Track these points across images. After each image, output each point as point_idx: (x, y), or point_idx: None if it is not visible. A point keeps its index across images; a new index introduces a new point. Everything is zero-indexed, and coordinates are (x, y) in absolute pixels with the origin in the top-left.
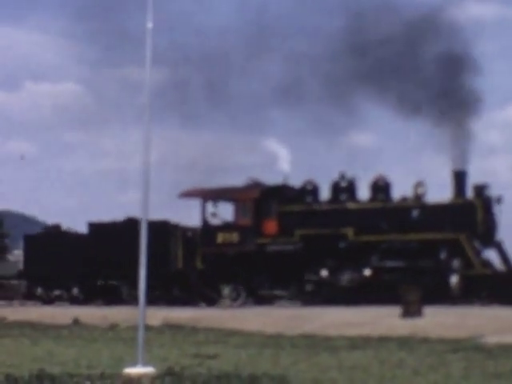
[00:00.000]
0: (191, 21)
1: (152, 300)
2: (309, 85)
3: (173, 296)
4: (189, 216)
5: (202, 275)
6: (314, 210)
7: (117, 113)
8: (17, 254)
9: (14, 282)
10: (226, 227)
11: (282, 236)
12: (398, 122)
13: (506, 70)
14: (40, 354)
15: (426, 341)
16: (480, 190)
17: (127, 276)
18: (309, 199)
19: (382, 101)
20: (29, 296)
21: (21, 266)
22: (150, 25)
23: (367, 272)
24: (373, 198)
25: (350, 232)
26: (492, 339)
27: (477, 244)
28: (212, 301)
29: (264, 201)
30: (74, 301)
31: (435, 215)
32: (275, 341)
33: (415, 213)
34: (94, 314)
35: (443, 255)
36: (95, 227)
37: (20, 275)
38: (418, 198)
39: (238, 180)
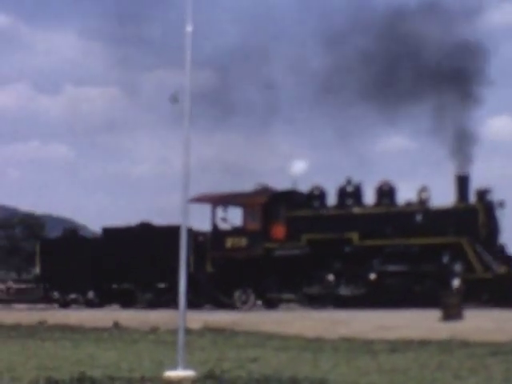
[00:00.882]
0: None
1: (164, 303)
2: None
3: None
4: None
5: (213, 279)
6: (321, 215)
7: (156, 116)
8: None
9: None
10: (235, 232)
11: (290, 240)
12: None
13: None
14: (81, 357)
15: (466, 344)
16: (482, 194)
17: (141, 280)
18: (316, 204)
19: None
20: (45, 299)
21: None
22: (189, 28)
23: (372, 276)
24: (378, 203)
25: (354, 236)
26: None
27: (479, 248)
28: (223, 304)
29: (272, 206)
30: (90, 304)
31: (438, 220)
32: (315, 344)
33: (419, 217)
34: (134, 317)
35: (445, 259)
36: (110, 232)
37: (37, 279)
38: (422, 202)
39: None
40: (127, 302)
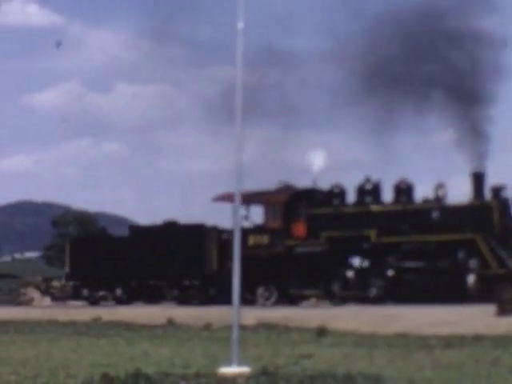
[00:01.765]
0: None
1: (188, 299)
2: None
3: (208, 296)
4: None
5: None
6: (340, 213)
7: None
8: None
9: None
10: (257, 230)
11: (310, 238)
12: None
13: None
14: (135, 354)
15: None
16: (497, 191)
17: (168, 277)
18: (336, 202)
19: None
20: (75, 296)
21: None
22: (240, 25)
23: (390, 273)
24: (395, 201)
25: (372, 234)
26: None
27: (494, 244)
28: (246, 301)
29: (293, 204)
30: (118, 301)
31: (454, 216)
32: (369, 340)
33: (435, 214)
34: (187, 313)
35: (461, 255)
36: (136, 230)
37: (67, 276)
38: (439, 199)
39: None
40: (155, 298)
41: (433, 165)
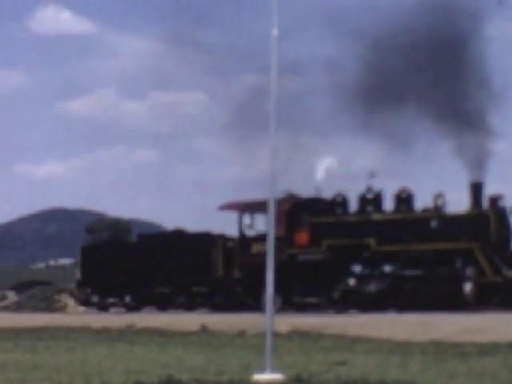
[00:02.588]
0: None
1: (194, 306)
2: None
3: (214, 303)
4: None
5: (241, 283)
6: (341, 221)
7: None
8: None
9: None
10: (261, 238)
11: (313, 246)
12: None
13: None
14: (169, 361)
15: None
16: (494, 200)
17: (176, 284)
18: (338, 211)
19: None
20: (85, 303)
21: None
22: (274, 32)
23: (387, 281)
24: (396, 210)
25: (372, 242)
26: None
27: (490, 253)
28: (251, 308)
29: (296, 213)
30: (128, 308)
31: (452, 226)
32: (403, 347)
33: (433, 223)
34: (221, 320)
35: (458, 264)
36: (145, 238)
37: (78, 284)
38: (438, 209)
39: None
40: (163, 305)
41: (434, 174)
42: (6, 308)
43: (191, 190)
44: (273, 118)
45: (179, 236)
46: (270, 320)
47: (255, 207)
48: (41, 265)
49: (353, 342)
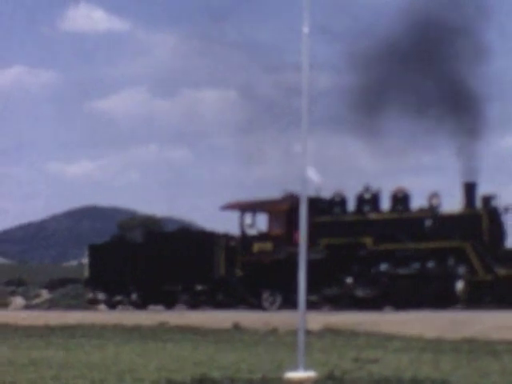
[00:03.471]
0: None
1: (198, 303)
2: None
3: (217, 301)
4: None
5: (242, 281)
6: (339, 221)
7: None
8: None
9: None
10: (261, 237)
11: (311, 245)
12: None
13: None
14: (201, 359)
15: None
16: (487, 200)
17: (181, 282)
18: (337, 210)
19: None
20: (93, 301)
21: None
22: (305, 29)
23: (383, 279)
24: (392, 209)
25: (368, 241)
26: None
27: (482, 251)
28: (252, 305)
29: (295, 212)
30: (135, 305)
31: (446, 225)
32: (436, 345)
33: (428, 223)
34: (253, 318)
35: (451, 262)
36: (151, 236)
37: (86, 282)
38: (432, 208)
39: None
40: (169, 303)
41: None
42: (39, 306)
43: (222, 188)
44: (305, 116)
45: (184, 234)
46: (303, 317)
47: (256, 207)
48: (73, 262)
49: (386, 340)
